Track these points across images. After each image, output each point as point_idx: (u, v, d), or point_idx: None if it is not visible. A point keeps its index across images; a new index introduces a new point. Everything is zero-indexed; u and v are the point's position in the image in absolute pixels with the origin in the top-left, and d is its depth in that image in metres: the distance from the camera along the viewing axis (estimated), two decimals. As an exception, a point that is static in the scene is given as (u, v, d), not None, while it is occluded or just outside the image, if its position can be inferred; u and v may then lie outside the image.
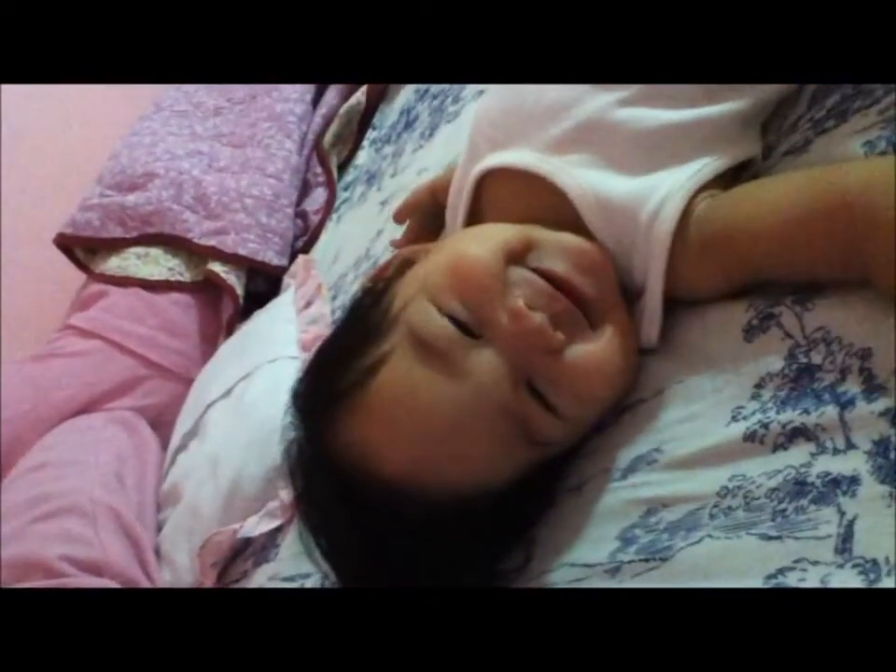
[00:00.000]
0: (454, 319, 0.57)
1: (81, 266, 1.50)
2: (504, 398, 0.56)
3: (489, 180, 0.67)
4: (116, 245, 1.45)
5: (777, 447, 0.51)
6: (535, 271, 0.59)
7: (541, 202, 0.63)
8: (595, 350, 0.58)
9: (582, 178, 0.61)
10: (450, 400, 0.56)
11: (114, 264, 1.44)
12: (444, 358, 0.56)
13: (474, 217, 0.69)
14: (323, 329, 1.14)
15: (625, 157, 0.61)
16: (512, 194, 0.66)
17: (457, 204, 0.70)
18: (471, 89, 1.14)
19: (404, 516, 0.57)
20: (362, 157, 1.46)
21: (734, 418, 0.54)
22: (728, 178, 0.62)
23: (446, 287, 0.58)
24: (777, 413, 0.52)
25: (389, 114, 1.42)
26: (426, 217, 0.87)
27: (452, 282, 0.58)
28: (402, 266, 0.67)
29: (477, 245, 0.60)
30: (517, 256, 0.59)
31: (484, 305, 0.57)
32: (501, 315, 0.57)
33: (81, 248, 1.50)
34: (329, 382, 0.61)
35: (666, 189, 0.59)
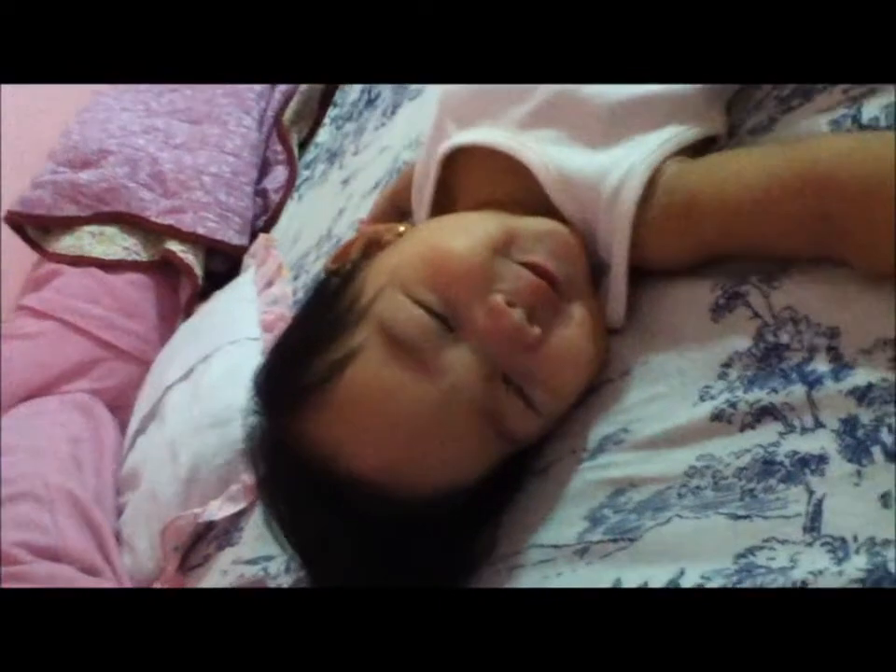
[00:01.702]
0: (429, 311, 0.56)
1: (34, 245, 1.47)
2: (478, 396, 0.55)
3: (456, 159, 0.66)
4: (69, 224, 1.41)
5: (744, 426, 0.51)
6: (519, 264, 0.58)
7: (508, 179, 0.63)
8: (568, 341, 0.57)
9: (546, 154, 0.61)
10: (423, 400, 0.54)
11: (68, 243, 1.40)
12: (417, 355, 0.55)
13: (441, 196, 0.68)
14: (284, 310, 1.12)
15: (591, 131, 0.61)
16: (480, 172, 0.65)
17: (423, 185, 0.69)
18: (434, 66, 1.13)
19: (373, 513, 0.56)
20: (323, 135, 1.44)
21: (701, 398, 0.54)
22: (693, 156, 0.61)
23: (422, 279, 0.56)
24: (745, 392, 0.52)
25: (350, 91, 1.39)
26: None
27: (429, 275, 0.57)
28: (367, 247, 0.65)
29: (459, 237, 0.58)
30: (500, 248, 0.58)
31: (462, 300, 0.56)
32: (478, 310, 0.56)
33: (33, 227, 1.46)
34: (295, 374, 0.58)
35: (629, 162, 0.58)
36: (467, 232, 0.59)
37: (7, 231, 1.46)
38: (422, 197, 0.69)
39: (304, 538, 0.62)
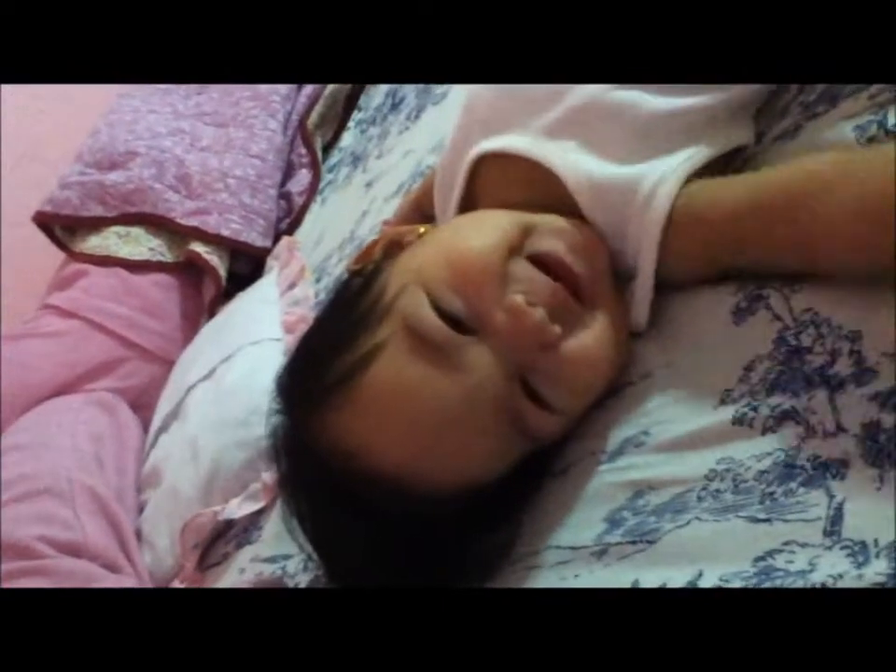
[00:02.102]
0: (449, 314, 0.56)
1: (61, 245, 1.48)
2: (500, 394, 0.56)
3: (483, 164, 0.67)
4: (96, 224, 1.43)
5: (766, 430, 0.51)
6: (532, 258, 0.58)
7: (536, 186, 0.63)
8: (588, 342, 0.58)
9: (578, 163, 0.61)
10: (446, 397, 0.55)
11: (94, 243, 1.42)
12: (440, 353, 0.55)
13: (466, 201, 0.68)
14: (306, 312, 1.13)
15: (620, 142, 0.61)
16: (507, 179, 0.65)
17: (447, 188, 0.69)
18: (459, 71, 1.13)
19: (393, 510, 0.56)
20: (347, 138, 1.45)
21: (722, 401, 0.54)
22: (720, 164, 0.61)
23: (443, 280, 0.57)
24: (767, 396, 0.52)
25: (375, 95, 1.40)
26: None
27: (449, 276, 0.57)
28: (389, 248, 0.66)
29: (476, 237, 0.59)
30: (516, 246, 0.58)
31: (482, 301, 0.56)
32: (498, 311, 0.56)
33: (61, 227, 1.48)
34: (318, 372, 0.59)
35: (660, 173, 0.58)
36: (483, 231, 0.59)
37: (16, 231, 1.48)
38: (447, 201, 0.70)
39: (324, 535, 0.63)
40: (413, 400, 0.55)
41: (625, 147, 0.60)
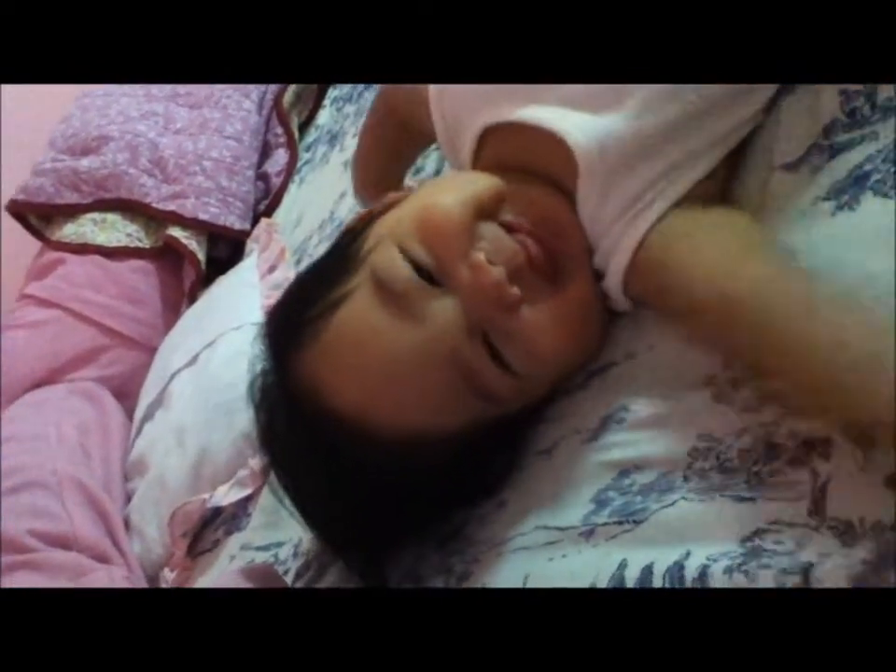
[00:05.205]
0: (417, 265, 0.57)
1: (36, 234, 1.47)
2: (457, 347, 0.57)
3: (486, 133, 0.65)
4: (71, 212, 1.41)
5: (744, 406, 0.51)
6: (502, 224, 0.59)
7: (542, 158, 0.61)
8: (551, 310, 0.58)
9: (594, 138, 0.58)
10: (402, 343, 0.57)
11: (70, 231, 1.40)
12: (402, 302, 0.57)
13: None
14: (288, 294, 1.12)
15: (647, 129, 0.58)
16: (512, 147, 0.63)
17: (453, 159, 0.70)
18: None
19: (355, 452, 0.59)
20: (323, 116, 1.43)
21: (704, 383, 0.54)
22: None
23: (413, 233, 0.59)
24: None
25: (350, 72, 1.39)
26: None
27: (419, 230, 0.58)
28: (388, 208, 0.66)
29: (448, 195, 0.60)
30: (487, 209, 0.59)
31: (448, 256, 0.57)
32: (462, 267, 0.57)
33: (35, 215, 1.46)
34: (295, 314, 0.62)
35: (664, 183, 0.57)
36: (456, 190, 0.60)
37: (6, 218, 1.46)
38: (458, 159, 0.69)
39: (296, 483, 0.65)
40: (370, 344, 0.58)
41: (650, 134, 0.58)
